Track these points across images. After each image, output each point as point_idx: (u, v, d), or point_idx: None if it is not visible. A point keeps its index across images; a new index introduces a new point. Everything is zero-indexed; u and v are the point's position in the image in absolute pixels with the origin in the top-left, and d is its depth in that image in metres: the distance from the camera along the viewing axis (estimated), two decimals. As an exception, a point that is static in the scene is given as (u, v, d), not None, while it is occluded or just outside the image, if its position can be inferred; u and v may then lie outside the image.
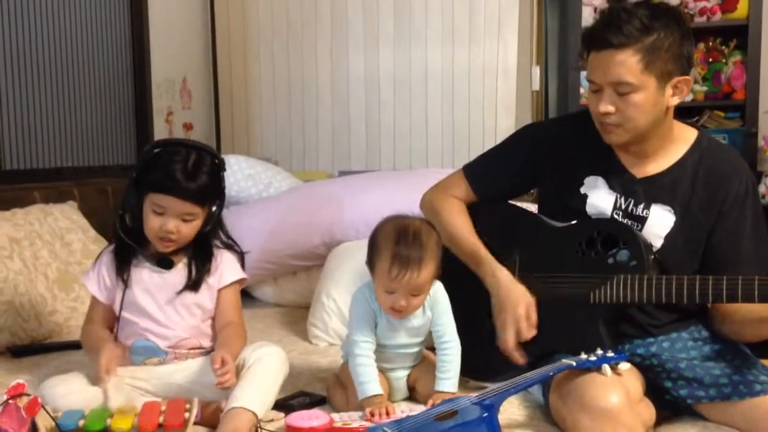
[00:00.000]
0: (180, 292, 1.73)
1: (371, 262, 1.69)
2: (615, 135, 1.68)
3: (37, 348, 2.24)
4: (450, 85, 3.75)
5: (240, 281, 1.82)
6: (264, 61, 4.01)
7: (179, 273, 1.75)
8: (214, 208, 1.73)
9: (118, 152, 3.43)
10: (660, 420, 1.64)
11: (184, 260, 1.76)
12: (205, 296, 1.76)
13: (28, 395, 1.43)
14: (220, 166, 1.74)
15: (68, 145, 3.15)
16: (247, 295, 2.85)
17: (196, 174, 1.67)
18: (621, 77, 1.59)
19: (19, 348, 2.23)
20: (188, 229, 1.70)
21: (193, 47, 3.96)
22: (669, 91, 1.63)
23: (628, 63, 1.58)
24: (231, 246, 1.82)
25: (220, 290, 1.77)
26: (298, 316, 2.63)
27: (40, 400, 1.44)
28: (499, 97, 3.69)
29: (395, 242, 1.64)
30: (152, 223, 1.68)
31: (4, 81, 2.82)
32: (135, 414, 1.51)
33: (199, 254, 1.76)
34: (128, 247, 1.74)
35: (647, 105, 1.61)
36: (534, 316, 1.73)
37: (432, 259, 1.65)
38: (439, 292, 1.75)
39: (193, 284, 1.74)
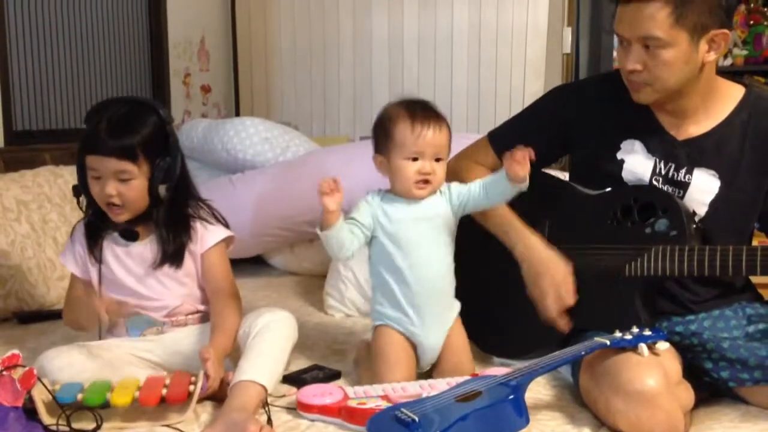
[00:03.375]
0: (156, 266, 1.64)
1: (383, 144, 1.61)
2: (643, 94, 1.58)
3: (44, 314, 2.18)
4: (477, 46, 3.61)
5: (226, 240, 1.70)
6: (284, 20, 3.91)
7: (150, 244, 1.65)
8: (161, 165, 1.59)
9: (133, 114, 3.36)
10: (697, 402, 1.53)
11: (155, 231, 1.65)
12: (190, 265, 1.67)
13: (24, 366, 1.36)
14: (162, 120, 1.61)
15: (82, 106, 3.09)
16: (262, 263, 2.79)
17: (123, 128, 1.55)
18: (649, 32, 1.48)
19: (26, 314, 2.17)
20: (131, 191, 1.57)
21: (211, 6, 3.87)
22: (704, 46, 1.51)
23: (656, 16, 1.46)
24: (206, 210, 1.71)
25: (202, 255, 1.67)
26: (314, 286, 2.56)
27: (35, 372, 1.37)
28: (527, 59, 3.54)
29: (407, 109, 1.60)
30: (93, 189, 1.59)
31: (15, 41, 2.75)
32: (137, 387, 1.44)
33: (172, 224, 1.64)
34: (94, 221, 1.65)
35: (678, 63, 1.50)
36: (572, 283, 1.62)
37: (445, 123, 1.63)
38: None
39: (172, 257, 1.64)
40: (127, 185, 1.57)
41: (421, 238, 1.61)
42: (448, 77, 3.67)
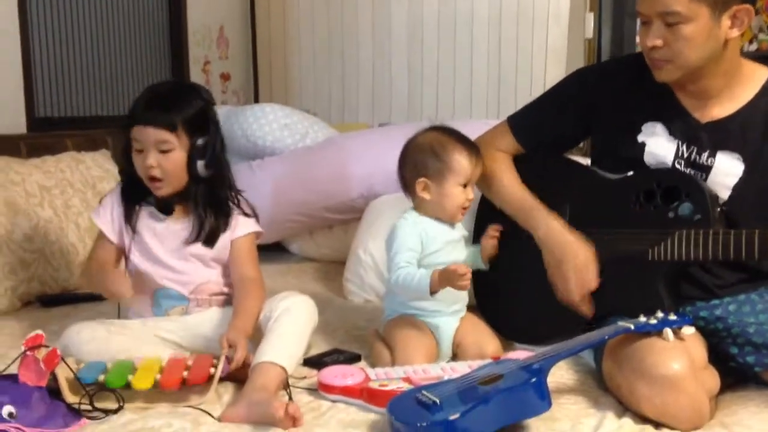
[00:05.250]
0: (189, 243, 1.68)
1: (433, 169, 1.67)
2: (665, 72, 1.55)
3: (67, 298, 2.20)
4: (497, 31, 3.56)
5: (256, 234, 1.75)
6: (303, 8, 3.89)
7: (187, 222, 1.69)
8: (199, 142, 1.63)
9: (153, 101, 3.37)
10: (722, 388, 1.51)
11: (193, 211, 1.69)
12: (221, 249, 1.70)
13: (47, 347, 1.37)
14: (205, 101, 1.68)
15: (102, 93, 3.11)
16: (281, 249, 2.79)
17: (167, 102, 1.63)
18: (668, 6, 1.46)
19: (49, 297, 2.20)
20: (169, 163, 1.61)
21: (230, -7, 3.85)
22: (726, 22, 1.48)
23: None
24: (244, 201, 1.76)
25: (233, 241, 1.71)
26: (333, 272, 2.55)
27: (59, 352, 1.38)
28: (549, 44, 3.49)
29: (457, 138, 1.70)
30: (136, 163, 1.64)
31: (37, 29, 2.77)
32: (159, 370, 1.44)
33: (210, 205, 1.69)
34: (133, 191, 1.69)
35: (699, 38, 1.47)
36: (594, 268, 1.60)
37: None
38: None
39: (207, 238, 1.68)
40: (167, 157, 1.61)
41: (450, 257, 1.68)
42: (468, 63, 3.63)
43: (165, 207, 1.68)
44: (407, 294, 1.65)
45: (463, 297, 1.74)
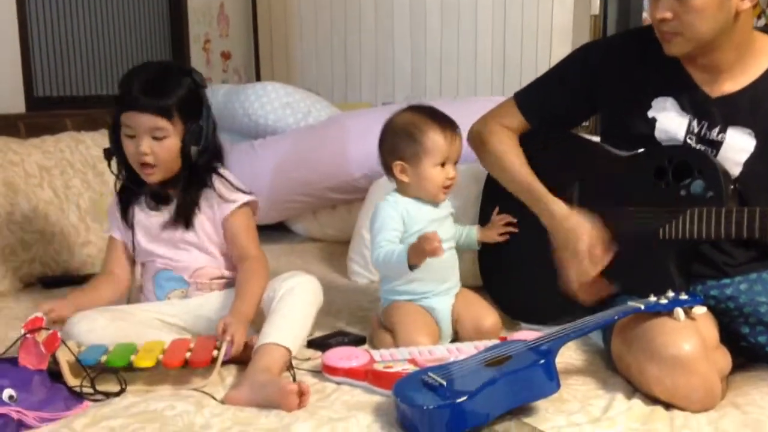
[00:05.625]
0: (166, 227, 1.64)
1: (409, 151, 1.64)
2: (675, 45, 1.51)
3: (68, 280, 2.18)
4: (502, 8, 3.53)
5: (249, 204, 1.68)
6: (304, -16, 3.84)
7: (171, 209, 1.65)
8: (194, 127, 1.59)
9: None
10: (733, 368, 1.48)
11: (179, 196, 1.65)
12: (211, 231, 1.65)
13: (47, 329, 1.35)
14: (197, 83, 1.62)
15: (102, 72, 3.07)
16: (285, 229, 2.77)
17: (158, 87, 1.57)
18: None
19: (50, 279, 2.18)
20: (164, 150, 1.57)
21: (229, -30, 3.80)
22: None
23: None
24: (224, 179, 1.69)
25: (224, 221, 1.65)
26: (337, 252, 2.53)
27: (59, 335, 1.35)
28: (554, 21, 3.46)
29: (431, 117, 1.66)
30: (128, 149, 1.59)
31: (35, 7, 2.72)
32: (161, 350, 1.42)
33: (189, 188, 1.63)
34: (127, 187, 1.66)
35: (709, 9, 1.44)
36: (599, 251, 1.57)
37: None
38: None
39: (183, 220, 1.63)
40: (161, 144, 1.57)
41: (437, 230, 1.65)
42: (472, 41, 3.59)
43: (158, 196, 1.64)
44: (390, 271, 1.65)
45: (453, 274, 1.72)
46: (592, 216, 1.61)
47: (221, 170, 1.68)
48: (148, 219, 1.66)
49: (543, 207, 1.66)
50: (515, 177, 1.73)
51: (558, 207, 1.64)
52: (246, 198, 1.67)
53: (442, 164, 1.64)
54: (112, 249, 1.72)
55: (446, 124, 1.66)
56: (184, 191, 1.62)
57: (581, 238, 1.58)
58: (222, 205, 1.65)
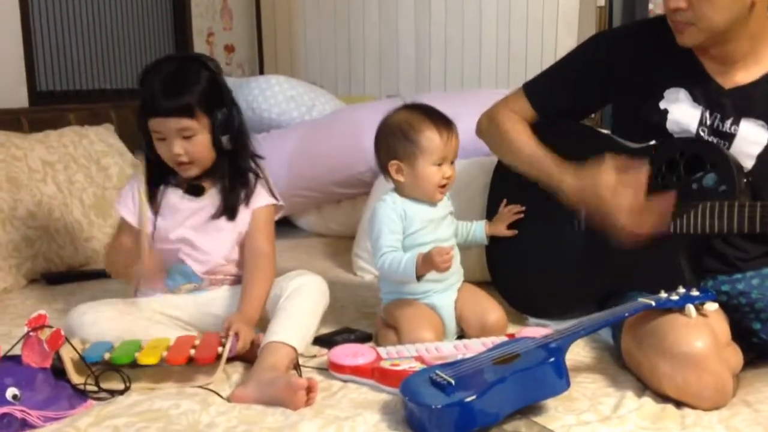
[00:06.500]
0: (214, 217, 1.64)
1: (404, 151, 1.61)
2: (688, 35, 1.48)
3: (72, 275, 2.17)
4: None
5: (275, 207, 1.71)
6: (308, -23, 3.81)
7: (212, 198, 1.65)
8: (219, 117, 1.59)
9: (156, 74, 3.31)
10: (744, 364, 1.46)
11: (217, 185, 1.65)
12: (244, 220, 1.66)
13: (51, 327, 1.33)
14: (213, 72, 1.61)
15: (105, 66, 3.05)
16: (289, 224, 2.75)
17: (177, 87, 1.56)
18: None
19: (54, 275, 2.16)
20: (196, 147, 1.58)
21: (233, -37, 3.77)
22: None
23: None
24: (262, 171, 1.71)
25: (253, 211, 1.67)
26: (342, 247, 2.51)
27: (63, 332, 1.34)
28: (560, 12, 3.42)
29: (427, 116, 1.63)
30: (161, 151, 1.61)
31: (37, 0, 2.70)
32: (166, 347, 1.41)
33: (233, 179, 1.65)
34: (157, 173, 1.64)
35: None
36: (625, 177, 1.49)
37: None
38: None
39: (230, 211, 1.64)
40: (192, 142, 1.57)
41: (433, 235, 1.64)
42: (477, 32, 3.55)
43: (195, 189, 1.64)
44: (394, 278, 1.62)
45: (455, 271, 1.68)
46: (599, 159, 1.55)
47: (258, 156, 1.70)
48: (182, 203, 1.65)
49: (555, 185, 1.62)
50: (526, 157, 1.69)
51: (567, 182, 1.59)
52: (279, 202, 1.71)
53: (439, 163, 1.62)
54: (122, 230, 1.68)
55: (442, 122, 1.62)
56: (227, 180, 1.64)
57: (600, 183, 1.51)
58: (259, 195, 1.67)
